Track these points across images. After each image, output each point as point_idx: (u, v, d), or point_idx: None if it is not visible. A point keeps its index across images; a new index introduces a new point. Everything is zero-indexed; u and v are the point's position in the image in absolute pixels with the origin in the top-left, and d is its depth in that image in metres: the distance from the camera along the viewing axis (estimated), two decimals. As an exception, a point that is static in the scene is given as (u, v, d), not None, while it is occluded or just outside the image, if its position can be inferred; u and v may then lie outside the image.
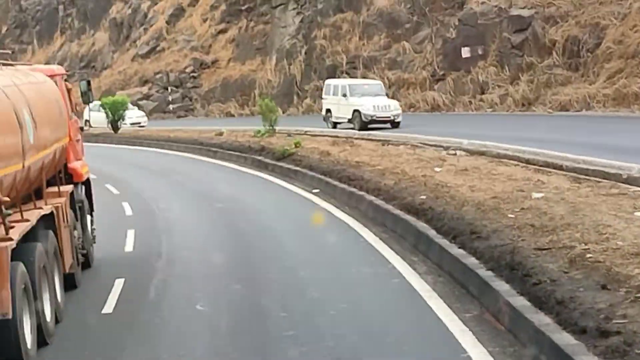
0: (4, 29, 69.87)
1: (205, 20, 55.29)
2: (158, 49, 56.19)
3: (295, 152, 23.04)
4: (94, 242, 13.07)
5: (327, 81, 34.77)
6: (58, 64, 62.35)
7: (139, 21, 60.01)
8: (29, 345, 8.12)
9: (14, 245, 7.96)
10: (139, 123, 44.20)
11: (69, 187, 11.83)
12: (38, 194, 10.19)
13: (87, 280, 11.58)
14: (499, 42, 38.08)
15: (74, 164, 12.58)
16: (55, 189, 11.03)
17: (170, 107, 52.40)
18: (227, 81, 50.36)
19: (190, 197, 19.11)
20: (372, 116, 30.55)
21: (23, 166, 8.95)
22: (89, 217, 12.96)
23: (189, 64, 53.27)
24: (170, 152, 31.49)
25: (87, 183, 13.09)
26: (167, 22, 57.24)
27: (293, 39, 47.48)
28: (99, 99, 41.13)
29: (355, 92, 31.70)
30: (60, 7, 67.05)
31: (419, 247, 11.67)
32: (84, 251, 12.19)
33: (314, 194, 18.05)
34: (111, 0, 63.37)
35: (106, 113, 39.28)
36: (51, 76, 12.19)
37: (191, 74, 52.84)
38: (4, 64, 10.66)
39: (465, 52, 39.10)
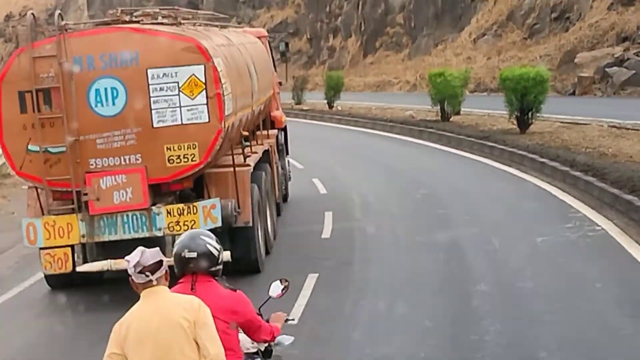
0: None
1: None
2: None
3: None
4: (290, 180, 17.73)
5: None
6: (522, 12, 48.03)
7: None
8: (261, 250, 12.28)
9: (251, 170, 12.09)
10: None
11: (275, 131, 16.45)
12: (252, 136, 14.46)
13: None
14: None
15: (275, 113, 17.17)
16: (264, 132, 15.34)
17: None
18: None
19: None
20: None
21: (252, 109, 13.08)
22: (286, 159, 17.65)
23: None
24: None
25: (284, 129, 17.72)
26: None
27: None
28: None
29: None
30: None
31: None
32: (284, 186, 16.83)
33: None
34: None
35: (509, 99, 23.94)
36: (258, 37, 16.54)
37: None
38: (229, 27, 15.04)
39: None
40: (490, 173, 19.88)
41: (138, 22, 11.67)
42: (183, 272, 5.54)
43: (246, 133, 12.47)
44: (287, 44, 19.68)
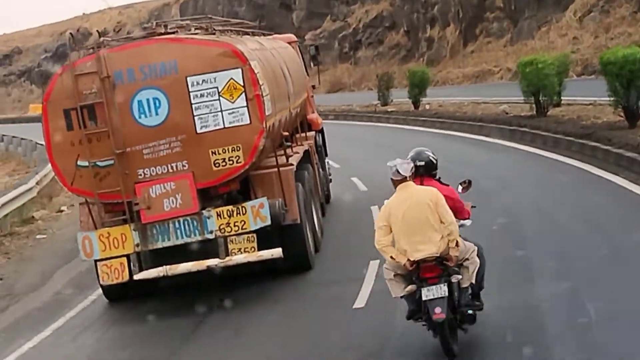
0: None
1: None
2: None
3: None
4: (331, 181, 17.79)
5: None
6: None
7: None
8: (311, 247, 12.56)
9: (295, 169, 12.32)
10: None
11: (312, 133, 16.72)
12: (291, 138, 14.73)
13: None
14: None
15: (311, 116, 17.46)
16: (302, 134, 15.65)
17: None
18: None
19: None
20: None
21: (289, 110, 13.34)
22: (326, 160, 17.85)
23: None
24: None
25: (321, 132, 17.97)
26: None
27: None
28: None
29: None
30: None
31: None
32: (326, 187, 16.96)
33: None
34: None
35: (612, 87, 19.91)
36: (288, 43, 16.86)
37: None
38: (264, 34, 15.37)
39: None
40: (590, 186, 15.87)
41: (173, 33, 11.97)
42: (414, 175, 8.35)
43: (286, 133, 12.73)
44: (317, 48, 20.20)
